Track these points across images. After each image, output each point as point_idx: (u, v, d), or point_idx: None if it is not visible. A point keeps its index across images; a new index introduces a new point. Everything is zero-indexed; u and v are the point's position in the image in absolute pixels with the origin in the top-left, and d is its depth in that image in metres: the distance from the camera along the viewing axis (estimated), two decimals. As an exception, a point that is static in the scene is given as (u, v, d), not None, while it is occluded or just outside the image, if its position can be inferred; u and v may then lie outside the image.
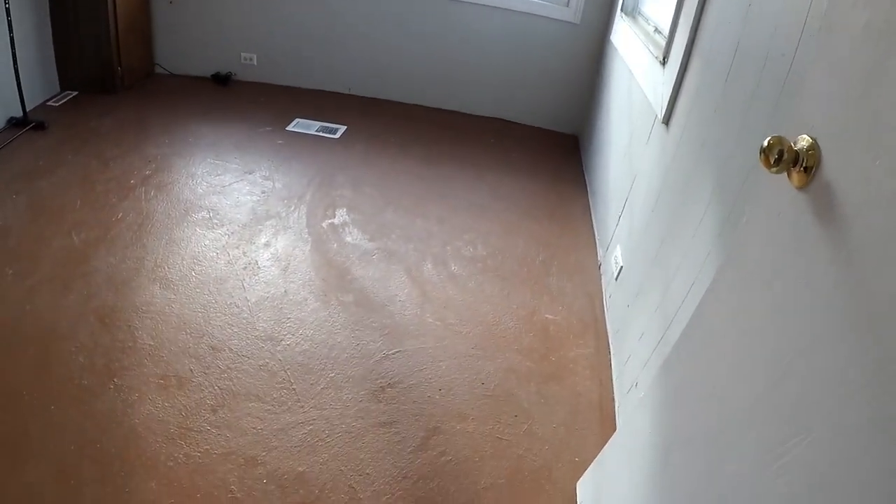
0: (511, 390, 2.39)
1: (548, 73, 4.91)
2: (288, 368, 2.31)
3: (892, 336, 0.75)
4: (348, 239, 3.18)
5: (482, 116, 5.15)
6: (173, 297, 2.58)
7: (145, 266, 2.74)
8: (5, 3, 3.51)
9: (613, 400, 2.41)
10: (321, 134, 4.38)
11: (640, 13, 3.86)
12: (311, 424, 2.10)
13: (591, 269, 3.22)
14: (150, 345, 2.32)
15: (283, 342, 2.43)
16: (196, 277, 2.71)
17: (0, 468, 1.81)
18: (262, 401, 2.16)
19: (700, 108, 2.12)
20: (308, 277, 2.83)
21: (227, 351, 2.35)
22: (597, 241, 3.47)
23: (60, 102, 4.27)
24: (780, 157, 0.99)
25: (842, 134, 0.93)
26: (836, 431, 0.83)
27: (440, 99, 5.15)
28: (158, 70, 5.08)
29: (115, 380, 2.16)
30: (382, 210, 3.50)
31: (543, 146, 4.82)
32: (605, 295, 2.96)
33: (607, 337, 2.72)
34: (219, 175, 3.62)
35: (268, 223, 3.21)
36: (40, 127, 3.82)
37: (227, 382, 2.21)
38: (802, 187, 0.99)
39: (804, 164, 0.97)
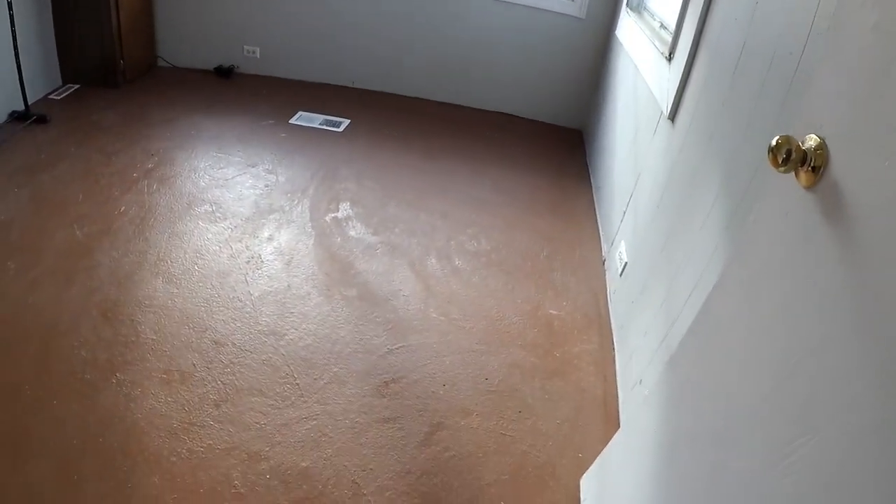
0: (515, 386, 2.38)
1: (552, 67, 4.89)
2: (291, 363, 2.30)
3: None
4: (352, 233, 3.17)
5: (486, 110, 5.14)
6: (176, 291, 2.57)
7: (148, 260, 2.73)
8: (7, -4, 3.49)
9: (617, 396, 2.40)
10: (324, 127, 4.37)
11: (645, 8, 3.84)
12: (314, 419, 2.10)
13: (595, 265, 3.21)
14: (152, 339, 2.32)
15: (287, 337, 2.42)
16: (199, 271, 2.70)
17: (1, 463, 1.80)
18: (265, 395, 2.15)
19: (706, 105, 2.11)
20: (311, 272, 2.82)
21: (230, 345, 2.34)
22: (601, 237, 3.46)
23: (62, 96, 4.25)
24: (789, 156, 0.99)
25: (850, 134, 0.92)
26: (844, 431, 0.82)
27: (444, 93, 5.14)
28: (161, 63, 5.06)
29: (118, 374, 2.15)
30: (386, 204, 3.49)
31: (547, 141, 4.80)
32: (610, 290, 2.95)
33: (611, 333, 2.71)
34: (221, 168, 3.61)
35: (271, 217, 3.20)
36: (42, 120, 3.80)
37: (230, 377, 2.20)
38: (810, 187, 0.99)
39: (812, 164, 0.97)
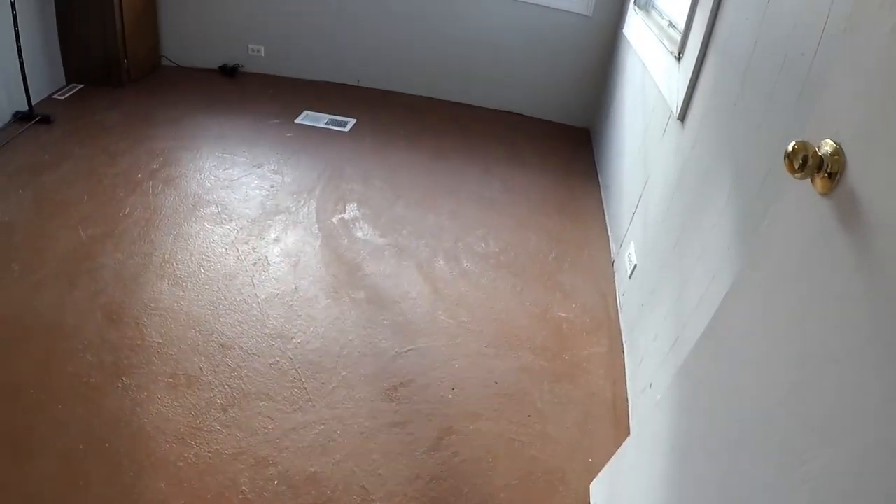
0: (524, 390, 2.36)
1: (559, 65, 4.87)
2: (299, 367, 2.28)
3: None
4: (359, 234, 3.14)
5: (492, 109, 5.11)
6: (182, 293, 2.55)
7: (153, 262, 2.71)
8: (11, -4, 3.47)
9: (627, 400, 2.38)
10: (330, 127, 4.35)
11: (653, 7, 3.81)
12: (322, 424, 2.08)
13: (604, 266, 3.19)
14: (158, 342, 2.30)
15: (294, 340, 2.40)
16: (205, 274, 2.68)
17: (7, 467, 1.79)
18: (272, 400, 2.14)
19: (717, 106, 2.08)
20: (319, 274, 2.80)
21: (236, 349, 2.32)
22: (610, 237, 3.43)
23: (66, 95, 4.24)
24: (805, 162, 0.98)
25: (868, 139, 0.90)
26: (862, 439, 0.82)
27: (450, 91, 5.11)
28: (165, 62, 5.04)
29: (124, 378, 2.13)
30: (393, 204, 3.47)
31: (554, 139, 4.78)
32: (619, 293, 2.92)
33: (621, 336, 2.68)
34: (227, 169, 3.59)
35: (277, 218, 3.17)
36: (46, 120, 3.79)
37: (237, 381, 2.18)
38: (826, 193, 0.97)
39: (828, 170, 0.96)
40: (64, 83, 4.37)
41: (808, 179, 1.01)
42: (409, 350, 2.45)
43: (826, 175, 0.96)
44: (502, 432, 2.17)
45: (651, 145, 2.86)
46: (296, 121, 4.36)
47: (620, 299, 2.87)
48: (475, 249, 3.16)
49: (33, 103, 3.81)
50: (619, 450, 1.91)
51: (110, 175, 3.35)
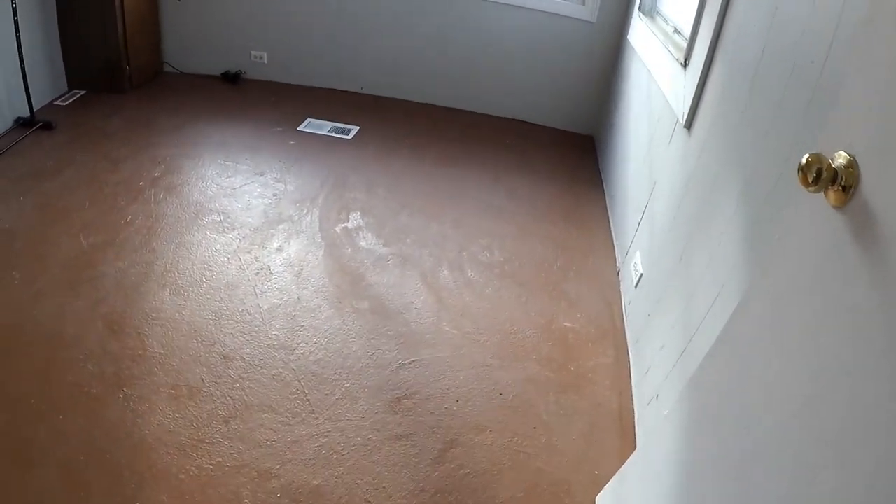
0: (530, 401, 2.33)
1: (563, 71, 4.85)
2: (302, 378, 2.26)
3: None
4: (362, 243, 3.12)
5: (496, 116, 5.09)
6: (184, 303, 2.53)
7: (155, 271, 2.69)
8: (12, 2, 3.46)
9: (633, 411, 2.35)
10: (333, 134, 4.33)
11: (658, 13, 3.79)
12: (325, 436, 2.05)
13: (609, 275, 3.16)
14: (160, 353, 2.28)
15: (297, 351, 2.38)
16: (207, 283, 2.66)
17: (7, 478, 1.77)
18: (275, 412, 2.11)
19: (724, 115, 2.06)
20: (322, 284, 2.78)
21: (239, 360, 2.30)
22: (615, 246, 3.41)
23: (68, 102, 4.23)
24: (819, 175, 0.96)
25: (882, 151, 0.89)
26: (876, 457, 0.80)
27: (453, 98, 5.09)
28: (167, 68, 5.03)
29: (125, 389, 2.11)
30: (397, 213, 3.45)
31: (559, 146, 4.76)
32: (624, 302, 2.90)
33: (626, 346, 2.66)
34: (229, 177, 3.57)
35: (280, 227, 3.15)
36: (48, 127, 3.77)
37: (239, 392, 2.16)
38: (840, 207, 0.96)
39: (842, 183, 0.94)
40: (66, 89, 4.36)
41: (822, 192, 0.99)
42: (412, 361, 2.42)
43: (840, 188, 0.94)
44: (507, 444, 2.14)
45: (657, 153, 2.84)
46: (299, 128, 4.34)
47: (626, 309, 2.84)
48: (479, 258, 3.14)
49: (35, 109, 3.81)
50: (626, 463, 1.89)
51: (112, 182, 3.33)
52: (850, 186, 0.93)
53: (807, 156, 0.96)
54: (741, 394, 1.26)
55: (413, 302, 2.75)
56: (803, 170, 0.96)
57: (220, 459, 1.92)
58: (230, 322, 2.47)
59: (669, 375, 2.02)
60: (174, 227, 3.01)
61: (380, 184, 3.75)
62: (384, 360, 2.40)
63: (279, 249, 2.97)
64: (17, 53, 3.59)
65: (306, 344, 2.42)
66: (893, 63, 0.89)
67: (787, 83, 1.60)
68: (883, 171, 0.88)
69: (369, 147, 4.22)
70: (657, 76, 3.08)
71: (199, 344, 2.34)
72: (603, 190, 4.09)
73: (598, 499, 1.98)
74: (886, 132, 0.88)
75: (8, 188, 3.14)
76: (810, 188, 0.97)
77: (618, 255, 3.29)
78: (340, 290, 2.75)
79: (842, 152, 0.95)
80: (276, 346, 2.38)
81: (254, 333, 2.43)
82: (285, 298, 2.64)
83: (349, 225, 3.27)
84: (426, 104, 5.11)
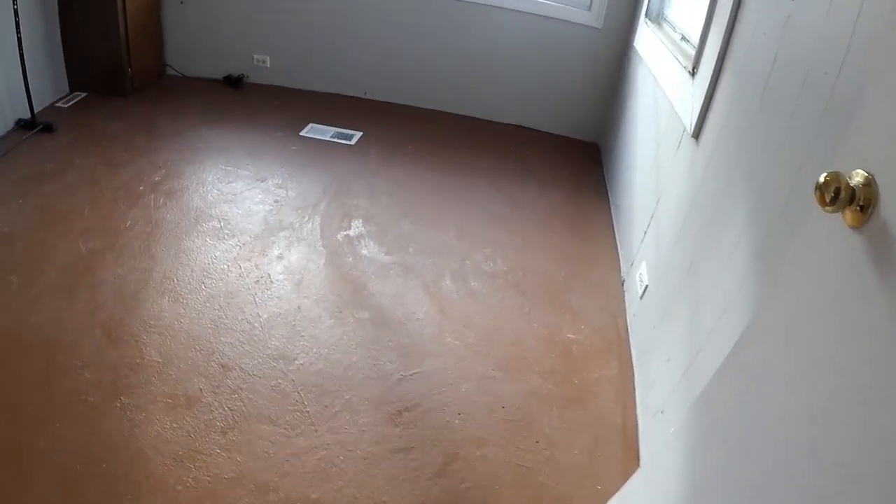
0: (532, 414, 2.30)
1: (568, 78, 4.82)
2: (301, 389, 2.22)
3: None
4: (364, 252, 3.09)
5: (500, 122, 5.06)
6: (182, 311, 2.49)
7: (153, 278, 2.66)
8: (13, 3, 3.44)
9: (637, 425, 2.31)
10: (336, 140, 4.30)
11: (665, 19, 3.77)
12: (325, 449, 2.02)
13: (614, 286, 3.12)
14: (157, 361, 2.24)
15: (297, 361, 2.34)
16: (206, 291, 2.63)
17: (3, 486, 1.75)
18: (274, 423, 2.08)
19: (734, 125, 2.03)
20: (322, 293, 2.74)
21: (237, 370, 2.26)
22: (620, 256, 3.37)
23: (69, 104, 4.21)
24: (837, 195, 0.92)
25: None
26: (892, 479, 0.78)
27: (458, 104, 5.06)
28: (169, 71, 5.01)
29: (122, 398, 2.08)
30: (399, 221, 3.41)
31: (563, 154, 4.73)
32: (629, 314, 2.86)
33: (631, 358, 2.62)
34: (230, 182, 3.54)
35: (281, 234, 3.12)
36: (48, 129, 3.75)
37: (237, 403, 2.13)
38: (857, 227, 0.92)
39: (859, 203, 0.91)
40: (67, 91, 4.34)
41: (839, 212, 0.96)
42: (414, 373, 2.39)
43: (857, 208, 0.91)
44: (509, 458, 2.11)
45: (663, 162, 2.81)
46: (301, 133, 4.31)
47: (631, 320, 2.81)
48: (483, 268, 3.10)
49: (36, 111, 3.79)
50: (629, 482, 1.86)
51: (112, 186, 3.30)
52: (868, 206, 0.90)
53: (824, 174, 0.93)
54: (752, 413, 1.23)
55: (415, 312, 2.72)
56: (821, 188, 0.93)
57: (218, 471, 1.89)
58: (229, 331, 2.43)
59: (675, 389, 1.98)
60: (174, 233, 2.98)
61: (382, 191, 3.71)
62: (385, 372, 2.37)
63: (280, 257, 2.94)
64: (18, 54, 3.57)
65: (306, 354, 2.38)
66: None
67: (799, 93, 1.57)
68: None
69: (372, 153, 4.19)
70: (664, 84, 3.05)
71: (198, 353, 2.31)
72: (608, 198, 4.05)
73: (601, 515, 1.95)
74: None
75: (7, 190, 3.12)
76: (827, 208, 0.94)
77: (622, 266, 3.26)
78: (341, 299, 2.72)
79: (859, 171, 0.92)
80: (276, 356, 2.35)
81: (253, 343, 2.39)
82: (285, 307, 2.61)
83: (351, 233, 3.23)
84: (430, 110, 5.07)
